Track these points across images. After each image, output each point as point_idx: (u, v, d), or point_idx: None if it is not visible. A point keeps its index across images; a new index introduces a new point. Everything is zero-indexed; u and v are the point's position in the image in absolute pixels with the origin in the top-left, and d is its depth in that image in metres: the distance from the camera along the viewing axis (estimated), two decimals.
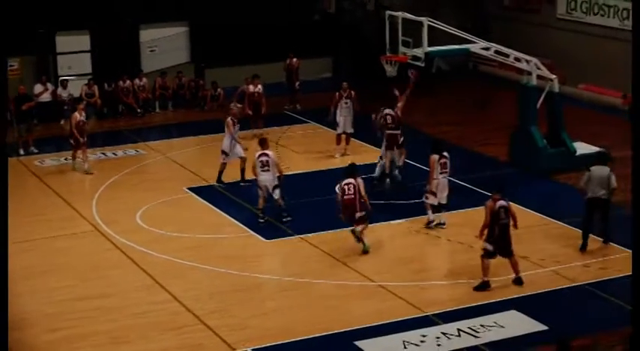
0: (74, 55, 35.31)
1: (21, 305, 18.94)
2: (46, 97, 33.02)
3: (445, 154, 22.58)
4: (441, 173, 22.53)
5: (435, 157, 22.50)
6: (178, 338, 17.62)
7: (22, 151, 29.65)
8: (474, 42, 26.86)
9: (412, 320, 18.09)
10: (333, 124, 28.37)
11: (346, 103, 28.17)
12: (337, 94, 28.29)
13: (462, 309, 18.51)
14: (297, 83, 34.68)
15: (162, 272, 20.41)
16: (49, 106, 32.69)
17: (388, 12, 27.27)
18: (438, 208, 22.81)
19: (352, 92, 28.32)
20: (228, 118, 26.27)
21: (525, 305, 18.52)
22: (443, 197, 22.71)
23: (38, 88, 32.73)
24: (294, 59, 34.56)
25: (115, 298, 19.26)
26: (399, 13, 26.64)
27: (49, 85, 33.31)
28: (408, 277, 20.08)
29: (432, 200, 22.73)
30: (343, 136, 28.31)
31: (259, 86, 30.91)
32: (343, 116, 28.13)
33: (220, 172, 26.08)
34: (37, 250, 21.76)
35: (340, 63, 39.15)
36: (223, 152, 26.05)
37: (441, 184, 22.60)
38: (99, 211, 24.15)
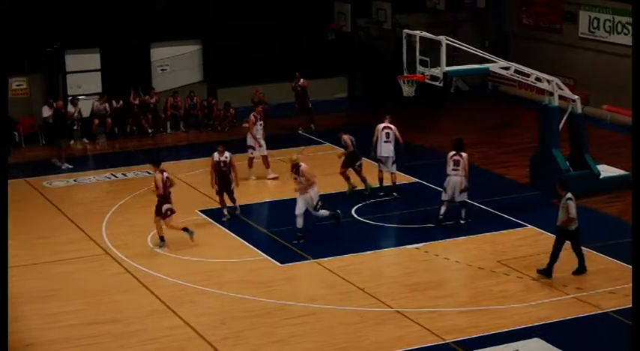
0: (84, 73, 34.94)
1: (27, 330, 18.53)
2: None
3: (462, 153, 23.41)
4: (452, 170, 23.37)
5: (450, 153, 23.40)
6: None
7: (65, 166, 29.88)
8: (494, 61, 26.37)
9: (431, 348, 17.62)
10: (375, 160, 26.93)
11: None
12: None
13: (483, 336, 17.98)
14: (308, 103, 34.12)
15: (173, 297, 19.94)
16: (54, 127, 32.13)
17: (405, 30, 26.83)
18: (463, 206, 23.75)
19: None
20: (251, 115, 27.78)
21: (549, 333, 18.01)
22: (456, 195, 23.50)
23: (46, 111, 32.25)
24: (302, 80, 34.06)
25: (124, 324, 18.78)
26: (417, 32, 26.22)
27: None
28: (426, 302, 19.58)
29: (443, 196, 23.65)
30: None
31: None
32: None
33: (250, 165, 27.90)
34: (44, 273, 21.31)
35: (355, 83, 38.67)
36: (250, 147, 27.81)
37: (451, 181, 23.43)
38: (109, 233, 23.70)
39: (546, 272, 20.33)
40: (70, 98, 33.58)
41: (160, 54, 36.15)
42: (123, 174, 29.06)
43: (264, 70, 36.29)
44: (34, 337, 18.16)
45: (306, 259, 21.92)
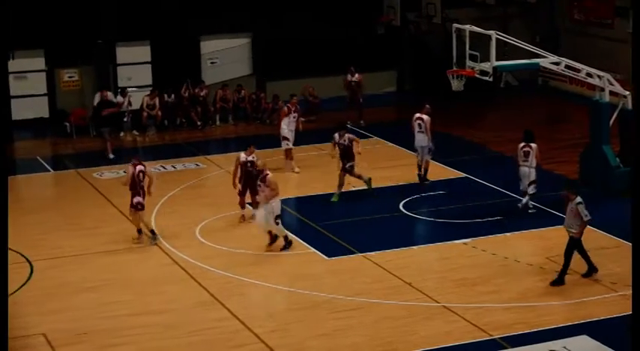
0: (134, 66, 35.16)
1: (77, 319, 18.68)
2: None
3: (532, 144, 23.79)
4: (523, 161, 23.84)
5: (520, 144, 23.84)
6: None
7: (111, 156, 30.06)
8: (544, 56, 26.16)
9: (478, 343, 17.55)
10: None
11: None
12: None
13: (531, 333, 17.86)
14: (359, 98, 34.09)
15: (221, 289, 19.99)
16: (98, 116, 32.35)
17: (455, 25, 26.70)
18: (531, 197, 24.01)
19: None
20: (284, 106, 27.74)
21: (597, 330, 17.84)
22: (524, 185, 23.90)
23: (97, 98, 32.54)
24: (356, 74, 34.03)
25: (172, 315, 18.86)
26: (467, 26, 26.06)
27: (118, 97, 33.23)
28: (474, 298, 19.48)
29: (521, 186, 24.16)
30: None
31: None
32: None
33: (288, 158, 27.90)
34: (94, 264, 21.47)
35: (404, 77, 38.57)
36: (284, 138, 27.77)
37: (520, 171, 23.91)
38: (158, 225, 23.78)
39: (587, 274, 20.13)
40: (119, 89, 33.82)
41: (209, 47, 36.29)
42: (172, 166, 29.19)
43: (312, 63, 36.30)
44: (82, 328, 18.28)
45: (354, 253, 21.89)
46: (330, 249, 22.15)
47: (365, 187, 25.81)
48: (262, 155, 29.81)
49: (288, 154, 28.11)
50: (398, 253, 21.79)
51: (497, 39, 25.33)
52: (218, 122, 34.71)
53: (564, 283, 19.72)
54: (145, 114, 33.39)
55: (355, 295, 19.61)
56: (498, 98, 36.97)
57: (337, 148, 25.58)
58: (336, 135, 25.65)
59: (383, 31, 38.56)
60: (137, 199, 22.45)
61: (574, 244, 19.73)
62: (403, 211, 24.67)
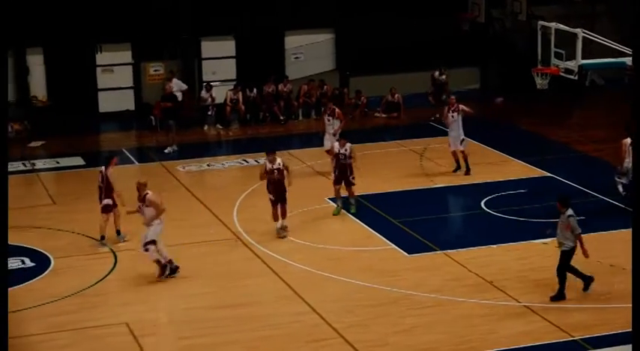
0: (219, 60, 35.47)
1: (158, 310, 18.97)
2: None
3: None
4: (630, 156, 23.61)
5: (627, 140, 23.32)
6: None
7: (168, 150, 30.32)
8: (631, 55, 25.79)
9: (559, 344, 17.41)
10: None
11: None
12: None
13: (612, 334, 17.69)
14: (444, 96, 33.98)
15: (301, 283, 20.10)
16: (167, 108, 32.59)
17: (540, 22, 26.51)
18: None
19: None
20: (325, 116, 27.38)
21: None
22: (628, 179, 23.63)
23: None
24: (444, 71, 33.94)
25: (252, 308, 19.00)
26: (553, 24, 25.86)
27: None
28: None
29: (623, 180, 24.05)
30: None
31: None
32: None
33: None
34: (176, 255, 21.60)
35: (488, 74, 38.34)
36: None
37: (626, 165, 23.70)
38: (240, 218, 23.97)
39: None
40: (204, 84, 34.17)
41: (293, 42, 36.45)
42: (255, 160, 29.36)
43: (395, 59, 36.26)
44: (165, 318, 18.58)
45: (434, 250, 21.84)
46: (411, 245, 22.12)
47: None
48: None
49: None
50: (478, 251, 21.69)
51: (583, 37, 25.10)
52: (301, 117, 34.86)
53: (565, 297, 19.04)
54: (228, 108, 33.70)
55: (435, 292, 19.57)
56: (583, 97, 36.55)
57: (336, 158, 24.11)
58: (336, 144, 24.33)
59: (467, 27, 38.37)
60: (106, 201, 22.30)
61: (567, 259, 19.06)
62: (484, 209, 24.54)
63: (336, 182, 24.13)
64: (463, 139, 26.71)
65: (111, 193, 22.32)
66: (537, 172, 27.41)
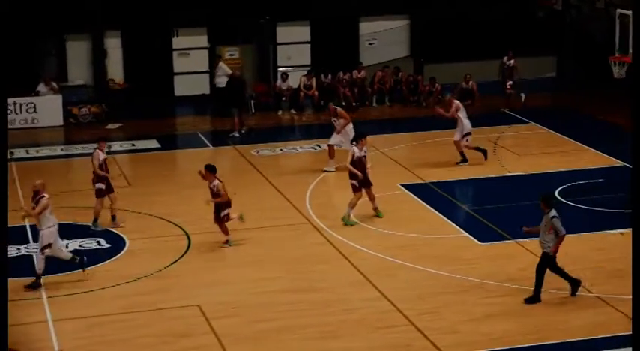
0: (294, 45, 35.58)
1: (230, 293, 19.09)
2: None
3: None
4: None
5: None
6: (387, 337, 17.27)
7: (236, 134, 30.61)
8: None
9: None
10: None
11: None
12: None
13: None
14: (509, 83, 33.54)
15: (373, 269, 20.12)
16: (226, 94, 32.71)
17: (619, 10, 26.14)
18: None
19: None
20: (331, 118, 27.08)
21: None
22: None
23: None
24: (513, 59, 33.64)
25: (323, 293, 19.09)
26: (630, 12, 25.49)
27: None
28: (629, 290, 18.99)
29: None
30: None
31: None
32: None
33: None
34: (249, 239, 21.83)
35: (565, 62, 37.93)
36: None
37: None
38: (312, 204, 24.08)
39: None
40: (280, 73, 34.36)
41: (368, 28, 36.42)
42: (328, 146, 29.41)
43: (471, 46, 36.05)
44: (235, 301, 18.68)
45: (507, 239, 21.72)
46: (484, 234, 22.05)
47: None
48: (415, 138, 30.07)
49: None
50: None
51: None
52: (375, 103, 34.85)
53: (540, 300, 18.54)
54: (302, 94, 33.82)
55: (507, 281, 19.48)
56: None
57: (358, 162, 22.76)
58: (356, 149, 22.81)
59: (543, 14, 37.99)
60: (98, 185, 22.38)
61: (547, 261, 18.57)
62: (559, 198, 24.31)
63: (363, 186, 22.85)
64: (467, 134, 26.57)
65: (102, 178, 22.38)
66: (613, 162, 27.11)
